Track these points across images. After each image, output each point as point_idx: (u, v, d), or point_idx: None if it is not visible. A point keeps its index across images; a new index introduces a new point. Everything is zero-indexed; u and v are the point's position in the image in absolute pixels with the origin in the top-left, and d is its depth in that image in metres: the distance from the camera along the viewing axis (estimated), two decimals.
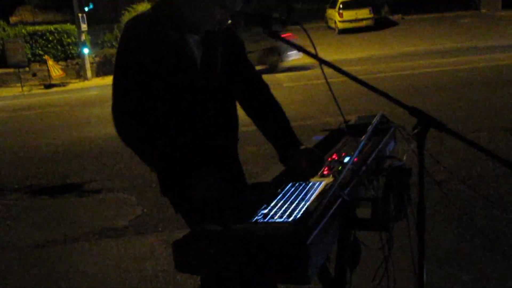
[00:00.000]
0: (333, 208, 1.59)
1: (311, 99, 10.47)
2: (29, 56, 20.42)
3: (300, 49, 1.92)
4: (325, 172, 1.96)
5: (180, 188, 1.98)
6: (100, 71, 19.97)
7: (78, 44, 20.04)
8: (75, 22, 19.80)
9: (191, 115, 2.10)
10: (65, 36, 21.13)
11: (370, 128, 2.15)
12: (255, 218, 1.41)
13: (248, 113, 2.35)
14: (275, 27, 1.91)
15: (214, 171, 1.95)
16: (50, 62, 18.64)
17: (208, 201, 1.83)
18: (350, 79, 1.85)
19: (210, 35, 2.14)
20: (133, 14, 21.19)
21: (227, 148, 2.22)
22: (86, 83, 18.79)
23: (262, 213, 1.45)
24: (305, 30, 1.92)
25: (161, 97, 2.06)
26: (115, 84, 2.06)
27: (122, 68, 2.04)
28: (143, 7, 21.30)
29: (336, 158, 2.10)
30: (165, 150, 2.01)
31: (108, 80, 18.22)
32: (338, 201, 1.63)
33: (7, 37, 19.78)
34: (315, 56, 1.87)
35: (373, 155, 2.20)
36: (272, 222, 1.37)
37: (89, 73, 19.65)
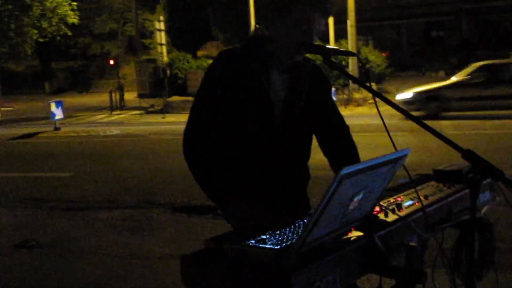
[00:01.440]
0: (350, 246, 1.49)
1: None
2: None
3: (355, 80, 1.85)
4: (374, 212, 1.84)
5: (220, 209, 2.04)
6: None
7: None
8: None
9: (257, 147, 2.11)
10: None
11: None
12: (249, 241, 1.38)
13: (324, 152, 2.31)
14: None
15: (253, 202, 1.97)
16: None
17: (240, 228, 1.84)
18: (404, 115, 1.73)
19: (296, 72, 2.15)
20: None
21: (286, 182, 2.18)
22: None
23: (260, 238, 1.42)
24: (360, 60, 1.85)
25: (231, 128, 2.11)
26: (192, 108, 2.16)
27: (203, 94, 2.13)
28: None
29: (393, 200, 1.96)
30: (213, 176, 2.06)
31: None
32: (358, 239, 1.52)
33: (190, 69, 21.66)
34: (369, 89, 1.79)
35: (442, 202, 2.02)
36: (259, 246, 1.34)
37: None
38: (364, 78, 21.71)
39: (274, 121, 2.10)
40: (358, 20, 22.48)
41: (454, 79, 16.29)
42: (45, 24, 29.62)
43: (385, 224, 1.67)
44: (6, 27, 28.81)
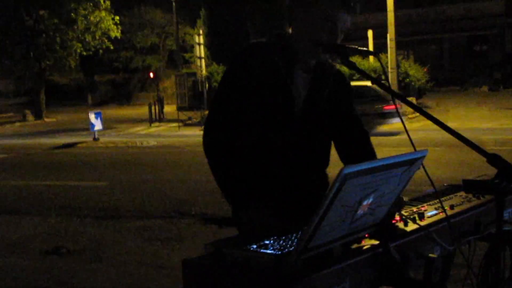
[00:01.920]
0: (362, 255, 1.38)
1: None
2: None
3: (374, 81, 1.75)
4: (393, 221, 1.72)
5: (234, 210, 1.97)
6: None
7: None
8: None
9: (276, 146, 2.04)
10: None
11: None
12: (251, 246, 1.30)
13: (341, 158, 2.22)
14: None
15: (267, 205, 1.88)
16: None
17: (251, 231, 1.76)
18: (426, 118, 1.62)
19: (319, 74, 2.08)
20: (343, 67, 21.93)
21: (302, 187, 2.09)
22: None
23: (262, 243, 1.33)
24: (380, 61, 1.76)
25: (252, 123, 2.05)
26: (213, 99, 2.11)
27: (225, 86, 2.07)
28: (353, 59, 21.69)
29: (416, 210, 1.84)
30: (231, 173, 1.99)
31: None
32: (371, 248, 1.41)
33: None
34: (388, 89, 1.69)
35: (470, 213, 1.89)
36: (259, 251, 1.25)
37: None
38: (404, 92, 21.37)
39: (293, 118, 2.04)
40: (399, 34, 22.21)
41: None
42: (88, 38, 30.38)
43: (402, 233, 1.56)
44: (51, 41, 29.67)
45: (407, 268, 1.51)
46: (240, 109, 2.01)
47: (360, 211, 1.24)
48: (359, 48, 1.88)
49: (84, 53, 31.18)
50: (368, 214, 1.30)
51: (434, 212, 1.83)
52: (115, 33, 30.75)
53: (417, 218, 1.73)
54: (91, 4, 29.73)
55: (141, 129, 22.41)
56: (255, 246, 1.29)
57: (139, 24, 40.88)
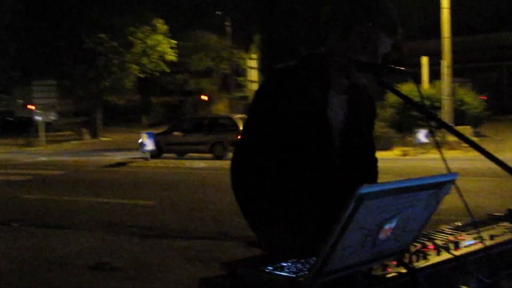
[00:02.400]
0: (386, 283, 1.30)
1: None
2: None
3: (411, 102, 1.68)
4: (425, 249, 1.63)
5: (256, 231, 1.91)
6: None
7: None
8: None
9: (309, 171, 1.97)
10: None
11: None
12: (268, 268, 1.24)
13: None
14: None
15: (294, 229, 1.83)
16: None
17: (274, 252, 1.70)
18: (468, 144, 1.53)
19: (356, 95, 2.02)
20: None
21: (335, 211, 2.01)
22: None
23: (279, 265, 1.27)
24: (415, 82, 1.68)
25: (283, 149, 1.97)
26: (244, 125, 2.05)
27: (256, 111, 1.99)
28: (407, 86, 21.30)
29: (452, 239, 1.74)
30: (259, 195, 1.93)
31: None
32: (397, 277, 1.33)
33: None
34: (422, 109, 1.62)
35: (510, 246, 1.77)
36: (275, 273, 1.19)
37: None
38: (459, 121, 20.78)
39: (331, 144, 1.95)
40: (456, 61, 21.73)
41: None
42: (145, 61, 31.27)
43: (432, 262, 1.46)
44: (110, 63, 30.68)
45: None
46: (272, 134, 1.93)
47: (382, 236, 1.17)
48: (396, 67, 1.79)
49: (141, 75, 32.07)
50: (392, 239, 1.23)
51: (472, 242, 1.72)
52: (171, 56, 31.53)
53: (451, 247, 1.63)
54: (149, 28, 30.66)
55: None
56: (270, 268, 1.24)
57: (194, 48, 41.77)
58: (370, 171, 2.12)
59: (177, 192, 11.30)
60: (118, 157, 19.77)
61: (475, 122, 21.98)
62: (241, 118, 18.54)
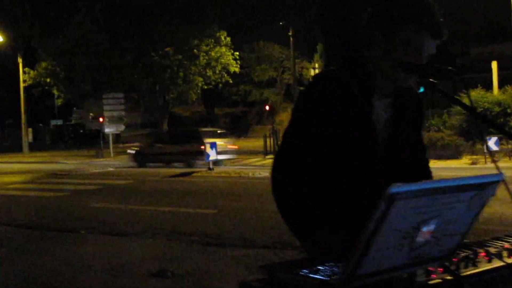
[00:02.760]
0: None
1: None
2: None
3: (457, 101, 1.61)
4: (478, 256, 1.54)
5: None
6: None
7: None
8: None
9: (354, 176, 1.94)
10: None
11: None
12: (304, 271, 1.22)
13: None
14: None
15: (339, 235, 1.78)
16: None
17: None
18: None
19: (401, 98, 1.97)
20: (465, 99, 20.89)
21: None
22: None
23: (316, 268, 1.24)
24: (458, 76, 1.61)
25: (328, 155, 1.95)
26: (286, 132, 2.04)
27: (299, 118, 1.98)
28: (476, 92, 20.60)
29: (508, 246, 1.64)
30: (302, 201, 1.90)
31: (432, 163, 17.89)
32: (441, 283, 1.27)
33: None
34: (471, 110, 1.54)
35: None
36: (309, 276, 1.16)
37: None
38: None
39: (376, 148, 1.92)
40: None
41: None
42: (209, 73, 31.86)
43: (482, 269, 1.39)
44: (175, 75, 31.46)
45: None
46: (316, 140, 1.92)
47: (420, 239, 1.12)
48: (443, 67, 1.73)
49: (205, 87, 32.67)
50: (433, 243, 1.17)
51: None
52: (234, 68, 31.96)
53: (504, 254, 1.54)
54: (213, 40, 31.24)
55: (255, 160, 22.85)
56: (306, 271, 1.21)
57: (257, 59, 42.13)
58: (421, 172, 2.05)
59: (239, 201, 11.38)
60: (183, 167, 20.18)
61: None
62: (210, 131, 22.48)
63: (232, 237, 7.80)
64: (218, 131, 23.62)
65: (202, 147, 18.56)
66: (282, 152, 2.00)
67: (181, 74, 31.42)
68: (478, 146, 18.87)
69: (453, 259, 1.46)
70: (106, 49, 29.27)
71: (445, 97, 1.68)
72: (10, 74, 37.47)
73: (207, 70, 31.70)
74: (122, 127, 30.08)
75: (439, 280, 1.29)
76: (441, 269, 1.36)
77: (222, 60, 31.50)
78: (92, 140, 37.63)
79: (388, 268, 1.12)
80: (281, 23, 36.90)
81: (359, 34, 1.91)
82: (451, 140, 19.07)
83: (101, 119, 28.90)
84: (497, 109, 19.97)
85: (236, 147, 22.66)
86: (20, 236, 8.43)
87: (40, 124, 48.91)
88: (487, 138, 17.37)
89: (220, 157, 19.25)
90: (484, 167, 16.29)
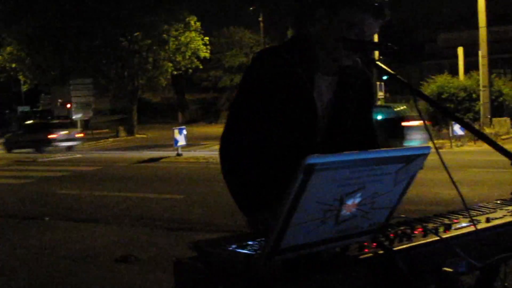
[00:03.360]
0: (359, 263, 1.25)
1: None
2: None
3: (395, 78, 1.61)
4: (416, 232, 1.56)
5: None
6: None
7: (423, 116, 20.24)
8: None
9: (298, 154, 1.94)
10: None
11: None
12: (232, 246, 1.21)
13: None
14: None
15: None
16: None
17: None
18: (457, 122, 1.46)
19: (344, 77, 1.98)
20: (432, 85, 21.17)
21: None
22: None
23: (246, 244, 1.24)
24: (392, 51, 1.62)
25: (271, 133, 1.96)
26: (230, 112, 2.05)
27: (242, 95, 1.99)
28: (443, 78, 20.91)
29: (447, 221, 1.67)
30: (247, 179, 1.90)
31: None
32: (373, 257, 1.28)
33: None
34: (409, 86, 1.55)
35: (508, 227, 1.69)
36: (235, 251, 1.16)
37: None
38: (498, 112, 20.24)
39: (318, 126, 1.93)
40: (494, 51, 21.18)
41: None
42: (179, 58, 31.55)
43: (415, 243, 1.40)
44: (144, 61, 31.07)
45: (420, 283, 1.36)
46: (259, 119, 1.93)
47: (345, 212, 1.12)
48: (382, 44, 1.74)
49: (175, 72, 32.36)
50: (360, 216, 1.17)
51: (465, 224, 1.65)
52: (204, 53, 31.70)
53: (441, 229, 1.56)
54: (182, 25, 30.91)
55: None
56: (234, 246, 1.20)
57: (227, 44, 41.88)
58: None
59: (206, 186, 11.35)
60: (152, 153, 20.02)
61: None
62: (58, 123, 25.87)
63: (199, 222, 7.79)
64: (67, 122, 26.96)
65: (50, 136, 23.77)
66: (228, 131, 2.00)
67: (150, 59, 31.07)
68: (444, 130, 19.17)
69: (390, 235, 1.48)
70: (73, 34, 28.71)
71: (385, 74, 1.68)
72: None
73: (177, 56, 31.41)
74: (91, 113, 29.66)
75: (370, 254, 1.30)
76: (375, 244, 1.37)
77: (192, 46, 31.24)
78: None
79: (313, 242, 1.11)
80: (251, 8, 36.75)
81: (304, 10, 1.90)
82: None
83: (68, 105, 28.43)
84: (462, 94, 20.29)
85: (82, 135, 26.39)
86: None
87: (7, 111, 47.85)
88: (453, 122, 17.65)
89: (68, 143, 24.17)
90: (450, 151, 16.56)
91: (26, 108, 52.11)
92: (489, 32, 20.07)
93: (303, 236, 1.08)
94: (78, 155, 21.19)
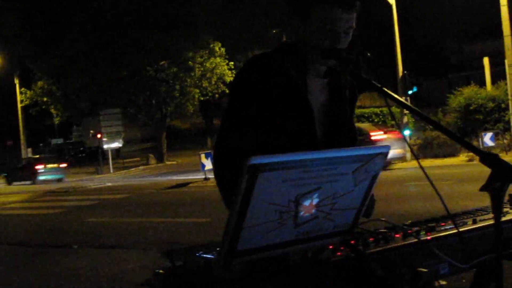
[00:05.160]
0: (330, 265, 1.25)
1: None
2: None
3: (369, 83, 1.62)
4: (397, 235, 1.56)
5: None
6: (420, 153, 19.84)
7: (400, 126, 20.50)
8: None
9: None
10: (389, 118, 21.91)
11: None
12: (199, 253, 1.23)
13: None
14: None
15: None
16: None
17: None
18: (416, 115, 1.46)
19: (336, 77, 2.00)
20: (459, 97, 20.89)
21: None
22: (405, 164, 18.84)
23: (216, 249, 1.25)
24: (369, 62, 1.62)
25: (267, 138, 1.96)
26: (223, 119, 2.03)
27: (235, 103, 1.98)
28: (470, 89, 20.60)
29: (434, 225, 1.65)
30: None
31: (426, 163, 17.98)
32: (344, 259, 1.28)
33: None
34: (381, 91, 1.56)
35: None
36: (200, 256, 1.18)
37: (408, 155, 19.74)
38: None
39: (314, 128, 1.94)
40: None
41: None
42: (205, 84, 31.88)
43: (392, 245, 1.40)
44: (171, 88, 31.51)
45: (396, 285, 1.35)
46: (255, 121, 1.92)
47: (303, 213, 1.13)
48: (358, 52, 1.74)
49: (202, 98, 32.68)
50: (323, 218, 1.18)
51: (450, 227, 1.63)
52: (230, 77, 31.98)
53: (423, 232, 1.55)
54: (207, 51, 31.31)
55: None
56: (201, 252, 1.22)
57: None
58: None
59: None
60: (181, 178, 20.18)
61: None
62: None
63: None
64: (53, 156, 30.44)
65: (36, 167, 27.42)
66: (220, 138, 1.99)
67: (177, 86, 31.47)
68: (474, 142, 18.82)
69: (370, 239, 1.47)
70: (100, 66, 29.37)
71: (361, 81, 1.69)
72: (8, 95, 37.62)
73: (203, 82, 31.74)
74: (121, 142, 30.11)
75: (340, 257, 1.30)
76: (348, 247, 1.37)
77: (217, 71, 31.55)
78: (92, 157, 37.67)
79: (273, 244, 1.12)
80: (274, 31, 36.99)
81: (284, 20, 1.94)
82: (446, 138, 19.03)
83: (99, 135, 28.95)
84: (491, 104, 19.93)
85: (65, 165, 29.09)
86: (13, 254, 8.45)
87: (41, 144, 48.98)
88: (483, 133, 17.35)
89: (53, 175, 27.12)
90: (481, 164, 16.23)
91: (60, 140, 53.27)
92: None
93: (260, 238, 1.09)
94: (109, 184, 21.51)
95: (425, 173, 1.57)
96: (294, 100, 1.90)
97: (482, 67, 22.18)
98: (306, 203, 1.11)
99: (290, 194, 1.08)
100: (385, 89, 1.59)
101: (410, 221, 1.76)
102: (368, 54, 1.72)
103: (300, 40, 1.92)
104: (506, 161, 1.28)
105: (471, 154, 18.50)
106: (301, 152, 1.04)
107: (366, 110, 23.44)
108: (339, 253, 1.33)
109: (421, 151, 19.92)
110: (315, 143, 1.92)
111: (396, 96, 1.53)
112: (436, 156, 18.08)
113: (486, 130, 17.15)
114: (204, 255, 1.18)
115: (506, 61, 19.45)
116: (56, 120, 38.10)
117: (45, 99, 31.63)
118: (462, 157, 18.35)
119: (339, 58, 1.75)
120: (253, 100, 1.91)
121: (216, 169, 1.98)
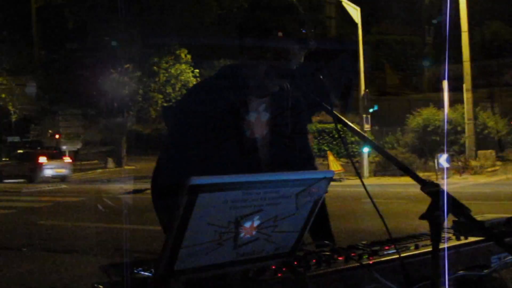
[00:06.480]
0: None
1: None
2: (315, 150, 22.03)
3: (317, 104, 1.64)
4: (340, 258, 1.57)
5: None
6: (377, 171, 20.19)
7: (346, 142, 20.83)
8: (361, 122, 20.76)
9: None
10: (350, 135, 22.18)
11: None
12: (138, 269, 1.21)
13: None
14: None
15: None
16: (331, 158, 19.71)
17: None
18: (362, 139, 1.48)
19: (277, 98, 2.01)
20: (418, 118, 21.39)
21: None
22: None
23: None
24: (315, 72, 1.65)
25: (209, 164, 1.96)
26: (163, 148, 2.03)
27: (176, 130, 2.00)
28: (428, 111, 21.12)
29: (379, 248, 1.68)
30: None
31: (384, 180, 18.32)
32: (283, 280, 1.28)
33: None
34: (331, 112, 1.58)
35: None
36: (138, 273, 1.16)
37: (366, 172, 20.06)
38: (483, 145, 20.37)
39: (256, 150, 1.95)
40: (478, 85, 21.47)
41: None
42: (169, 90, 31.65)
43: (330, 269, 1.41)
44: (134, 92, 31.15)
45: None
46: (195, 152, 1.92)
47: (244, 234, 1.13)
48: (309, 73, 1.77)
49: (165, 104, 32.42)
50: (263, 240, 1.18)
51: (393, 251, 1.66)
52: None
53: (366, 255, 1.57)
54: (173, 57, 31.14)
55: None
56: (140, 269, 1.21)
57: None
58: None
59: None
60: (138, 184, 19.92)
61: (500, 146, 21.54)
62: None
63: None
64: (55, 152, 27.24)
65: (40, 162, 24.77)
66: (162, 167, 2.00)
67: (140, 91, 31.15)
68: (430, 163, 19.27)
69: (313, 260, 1.48)
70: (62, 65, 28.84)
71: (310, 99, 1.71)
72: None
73: (167, 87, 31.51)
74: (79, 144, 29.57)
75: (281, 279, 1.30)
76: (289, 268, 1.37)
77: (182, 78, 31.39)
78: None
79: (212, 265, 1.12)
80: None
81: (236, 41, 1.95)
82: (404, 157, 19.43)
83: (57, 136, 28.37)
84: (448, 126, 20.48)
85: (70, 161, 27.19)
86: None
87: None
88: (439, 155, 17.77)
89: (58, 170, 24.70)
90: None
91: (16, 138, 51.89)
92: (474, 66, 20.39)
93: (199, 258, 1.08)
94: (64, 186, 21.08)
95: (367, 192, 1.60)
96: (232, 124, 1.92)
97: (441, 90, 22.77)
98: (247, 224, 1.12)
99: (230, 216, 1.08)
100: (335, 112, 1.61)
101: (356, 243, 1.78)
102: (320, 76, 1.74)
103: (248, 62, 1.92)
104: (447, 192, 1.31)
105: (426, 173, 18.93)
106: (242, 175, 1.05)
107: (328, 126, 23.70)
108: (280, 274, 1.34)
109: (379, 168, 20.28)
110: (257, 165, 1.93)
111: (343, 118, 1.56)
112: (393, 174, 18.41)
113: (442, 151, 17.61)
114: (142, 272, 1.17)
115: (464, 85, 20.05)
116: (13, 118, 37.15)
117: (3, 95, 30.82)
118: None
119: (292, 78, 1.77)
120: (194, 127, 1.92)
121: (154, 193, 1.99)
